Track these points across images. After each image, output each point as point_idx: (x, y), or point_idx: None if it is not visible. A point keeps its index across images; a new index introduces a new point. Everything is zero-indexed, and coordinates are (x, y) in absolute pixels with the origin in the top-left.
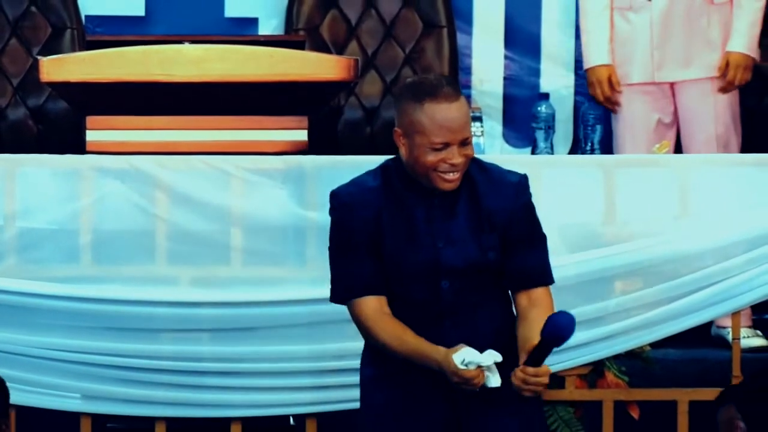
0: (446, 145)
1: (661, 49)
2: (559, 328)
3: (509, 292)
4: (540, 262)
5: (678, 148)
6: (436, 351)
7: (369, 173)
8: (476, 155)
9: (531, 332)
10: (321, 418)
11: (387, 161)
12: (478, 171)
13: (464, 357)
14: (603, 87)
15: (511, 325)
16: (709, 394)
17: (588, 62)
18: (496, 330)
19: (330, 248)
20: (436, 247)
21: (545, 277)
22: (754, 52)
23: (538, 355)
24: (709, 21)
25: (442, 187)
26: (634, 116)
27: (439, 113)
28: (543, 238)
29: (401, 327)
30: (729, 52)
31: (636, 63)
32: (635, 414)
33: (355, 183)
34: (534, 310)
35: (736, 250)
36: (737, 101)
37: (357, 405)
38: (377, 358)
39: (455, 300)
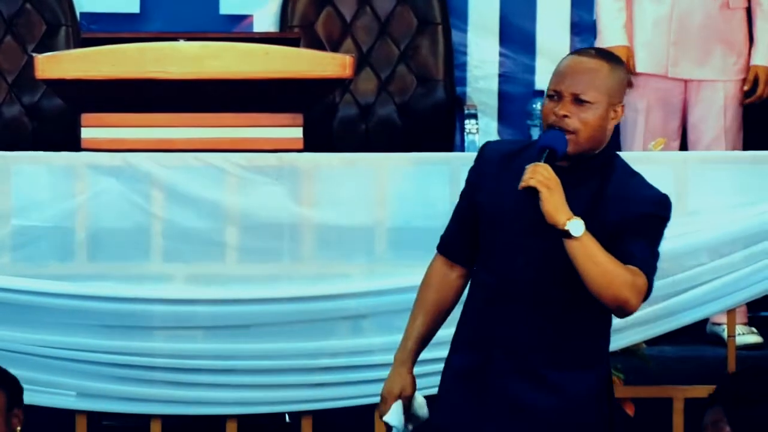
0: (558, 95)
1: (678, 45)
2: (547, 136)
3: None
4: (642, 252)
5: (683, 146)
6: (403, 349)
7: (521, 141)
8: (467, 153)
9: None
10: (316, 415)
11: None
12: (620, 172)
13: (393, 412)
14: None
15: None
16: (704, 391)
17: (603, 42)
18: (553, 341)
19: None
20: (532, 221)
21: (645, 265)
22: None
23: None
24: (725, 24)
25: None
26: (642, 105)
27: (563, 62)
28: (655, 248)
29: (432, 298)
30: (758, 66)
31: (651, 53)
32: (631, 411)
33: (501, 142)
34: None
35: (731, 248)
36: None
37: (352, 402)
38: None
39: (533, 284)
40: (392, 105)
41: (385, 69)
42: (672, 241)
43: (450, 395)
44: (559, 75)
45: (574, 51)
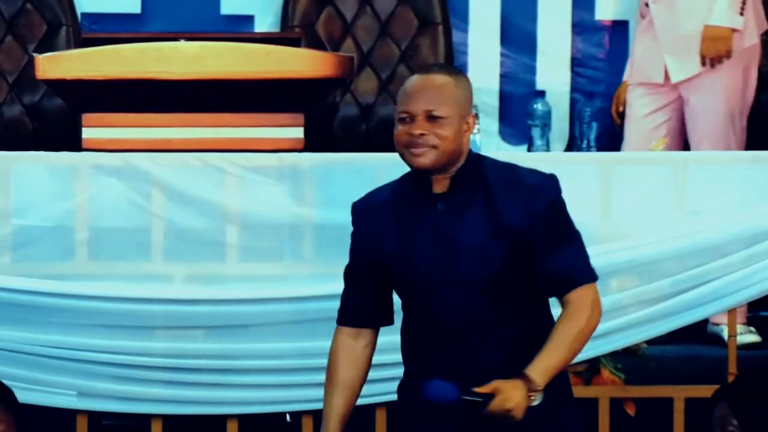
0: (411, 116)
1: (670, 53)
2: (436, 395)
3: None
4: (569, 263)
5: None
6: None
7: (386, 185)
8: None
9: (547, 341)
10: (317, 415)
11: (407, 173)
12: (494, 173)
13: None
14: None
15: (533, 351)
16: (704, 391)
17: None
18: (510, 355)
19: None
20: (440, 257)
21: (577, 278)
22: (730, 22)
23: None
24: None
25: (411, 164)
26: (638, 114)
27: (409, 83)
28: (573, 237)
29: (341, 375)
30: (704, 26)
31: (647, 65)
32: (631, 411)
33: (368, 195)
34: (561, 316)
35: (732, 248)
36: (742, 96)
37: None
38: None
39: (463, 315)
40: (393, 105)
41: (385, 69)
42: (672, 241)
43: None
44: (407, 96)
45: (418, 72)
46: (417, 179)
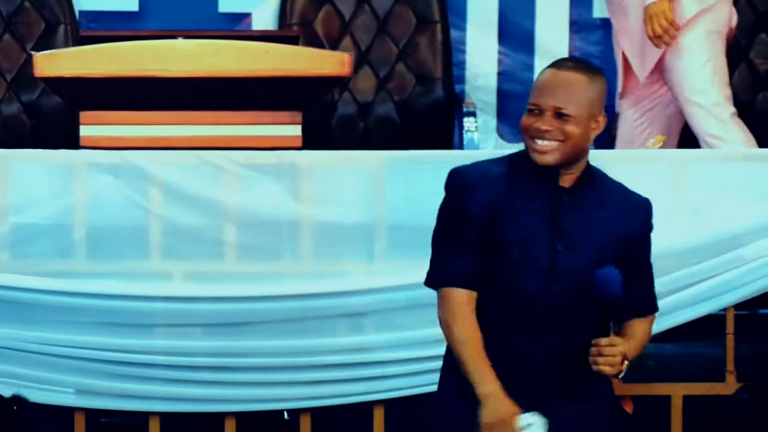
0: (539, 110)
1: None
2: (604, 283)
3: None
4: (647, 292)
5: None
6: (491, 380)
7: (494, 160)
8: (465, 151)
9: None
10: (315, 413)
11: (515, 152)
12: (609, 181)
13: (529, 421)
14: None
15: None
16: (702, 388)
17: None
18: (580, 358)
19: (437, 227)
20: (555, 248)
21: (651, 308)
22: None
23: (603, 325)
24: None
25: (534, 158)
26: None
27: (542, 76)
28: (651, 266)
29: (477, 332)
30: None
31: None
32: (629, 408)
33: (477, 165)
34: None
35: (731, 245)
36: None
37: (352, 400)
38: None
39: (563, 307)
40: (391, 103)
41: (383, 67)
42: (672, 238)
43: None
44: (538, 89)
45: (553, 63)
46: (534, 164)
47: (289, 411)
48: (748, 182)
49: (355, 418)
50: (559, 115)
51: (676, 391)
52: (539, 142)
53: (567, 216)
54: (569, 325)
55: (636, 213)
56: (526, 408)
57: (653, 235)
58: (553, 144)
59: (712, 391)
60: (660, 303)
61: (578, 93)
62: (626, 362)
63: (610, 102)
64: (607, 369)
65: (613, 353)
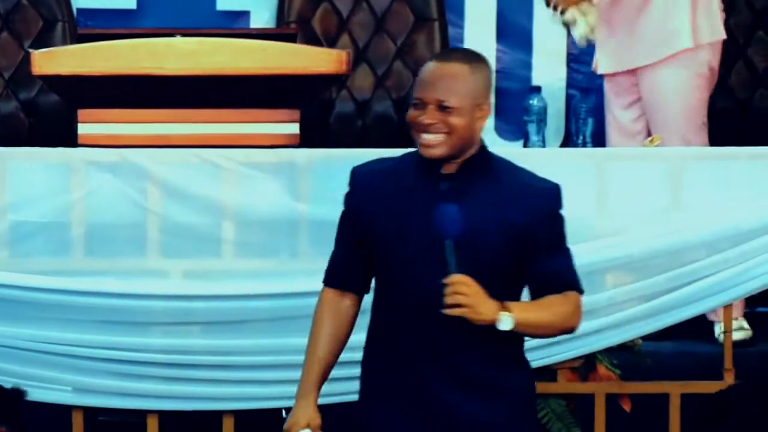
0: (422, 103)
1: (613, 38)
2: (440, 219)
3: None
4: (565, 268)
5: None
6: (306, 386)
7: (389, 157)
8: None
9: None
10: None
11: (414, 150)
12: (503, 168)
13: None
14: None
15: (501, 345)
16: (700, 387)
17: None
18: (481, 347)
19: None
20: (433, 237)
21: (570, 282)
22: None
23: (450, 262)
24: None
25: (422, 153)
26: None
27: (424, 69)
28: (568, 249)
29: (322, 335)
30: None
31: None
32: (627, 407)
33: (371, 162)
34: (552, 296)
35: (727, 244)
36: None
37: (350, 398)
38: (379, 343)
39: (441, 296)
40: (389, 101)
41: (381, 65)
42: (668, 237)
43: (382, 415)
44: (421, 83)
45: (435, 55)
46: (426, 159)
47: (287, 409)
48: (745, 180)
49: (353, 416)
50: (442, 107)
51: (675, 390)
52: (425, 135)
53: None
54: (452, 318)
55: (535, 200)
56: (418, 400)
57: (650, 233)
58: (439, 137)
59: (710, 389)
60: (658, 301)
61: (460, 84)
62: (502, 313)
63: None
64: (452, 304)
65: (456, 290)
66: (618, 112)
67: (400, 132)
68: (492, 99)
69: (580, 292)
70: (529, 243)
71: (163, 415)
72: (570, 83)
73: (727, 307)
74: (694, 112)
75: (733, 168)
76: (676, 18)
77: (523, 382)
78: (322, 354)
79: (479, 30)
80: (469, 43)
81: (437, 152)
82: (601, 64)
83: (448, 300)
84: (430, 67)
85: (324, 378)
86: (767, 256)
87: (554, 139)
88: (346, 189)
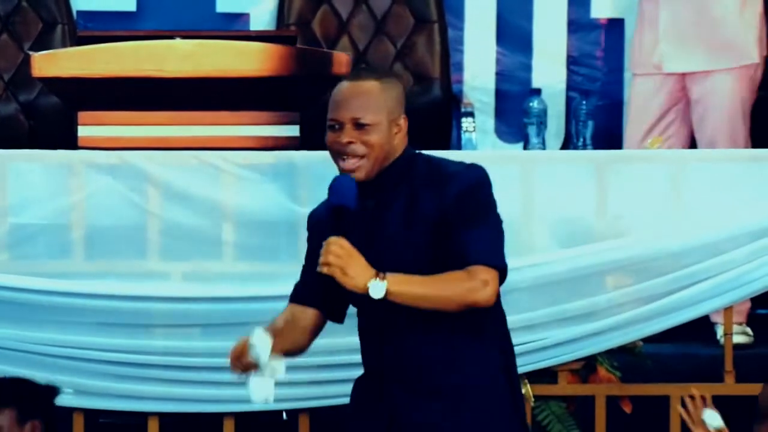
0: (339, 124)
1: (668, 40)
2: (335, 189)
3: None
4: (474, 242)
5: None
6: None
7: None
8: (463, 151)
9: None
10: (313, 413)
11: None
12: (423, 168)
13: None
14: None
15: (468, 339)
16: (701, 389)
17: None
18: (443, 345)
19: None
20: (367, 253)
21: (476, 256)
22: None
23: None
24: (721, 11)
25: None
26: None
27: (336, 90)
28: (485, 222)
29: (276, 326)
30: None
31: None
32: (628, 409)
33: (322, 203)
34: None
35: (728, 246)
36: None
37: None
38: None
39: (390, 309)
40: None
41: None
42: (669, 239)
43: (356, 421)
44: (335, 104)
45: (347, 77)
46: None
47: (288, 411)
48: (746, 182)
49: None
50: (358, 125)
51: (675, 392)
52: (346, 160)
53: (372, 218)
54: (403, 329)
55: (443, 187)
56: (384, 408)
57: (651, 235)
58: (357, 162)
59: (711, 391)
60: (658, 303)
61: (374, 101)
62: (373, 280)
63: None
64: (324, 264)
65: (329, 249)
66: (655, 113)
67: None
68: (492, 101)
69: (494, 264)
70: (444, 227)
71: (164, 417)
72: (570, 85)
73: (728, 310)
74: (746, 120)
75: (734, 170)
76: (749, 31)
77: (484, 375)
78: (277, 324)
79: (479, 32)
80: (469, 46)
81: (361, 175)
82: (669, 62)
83: (321, 260)
84: (342, 87)
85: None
86: None
87: (554, 141)
88: None
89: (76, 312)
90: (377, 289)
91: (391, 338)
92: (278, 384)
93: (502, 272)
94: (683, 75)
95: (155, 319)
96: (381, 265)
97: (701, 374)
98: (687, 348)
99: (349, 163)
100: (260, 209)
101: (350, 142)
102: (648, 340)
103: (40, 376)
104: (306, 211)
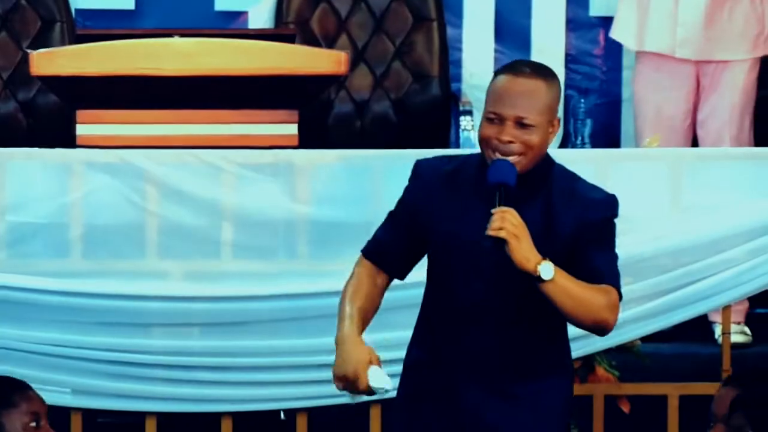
0: (500, 119)
1: (685, 25)
2: (496, 170)
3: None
4: (606, 265)
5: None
6: (346, 326)
7: (454, 156)
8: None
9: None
10: (312, 412)
11: (475, 153)
12: (560, 179)
13: (376, 376)
14: None
15: (541, 355)
16: (699, 388)
17: None
18: (520, 354)
19: None
20: (480, 246)
21: (608, 278)
22: None
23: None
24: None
25: None
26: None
27: (500, 82)
28: (614, 252)
29: (357, 290)
30: None
31: (654, 31)
32: (626, 408)
33: (436, 159)
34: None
35: (727, 244)
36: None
37: (348, 400)
38: (424, 343)
39: (487, 304)
40: (387, 101)
41: (380, 65)
42: (668, 237)
43: (420, 415)
44: (499, 97)
45: (508, 69)
46: (484, 163)
47: (286, 411)
48: (746, 180)
49: (352, 418)
50: (521, 124)
51: (673, 391)
52: (500, 154)
53: None
54: (495, 323)
55: (584, 211)
56: (451, 407)
57: (650, 234)
58: (515, 158)
59: (709, 390)
60: (658, 302)
61: (538, 100)
62: (544, 261)
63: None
64: (494, 229)
65: (505, 217)
66: (668, 105)
67: (399, 132)
68: None
69: (619, 290)
70: (574, 251)
71: (162, 417)
72: (568, 84)
73: (726, 309)
74: (752, 111)
75: (734, 168)
76: (761, 21)
77: (556, 391)
78: (361, 307)
79: (478, 30)
80: (467, 44)
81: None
82: (684, 49)
83: (494, 224)
84: (506, 81)
85: (363, 328)
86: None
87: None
88: (345, 190)
89: (74, 311)
90: (547, 270)
91: (473, 331)
92: (276, 383)
93: (620, 299)
94: (696, 63)
95: (154, 318)
96: (506, 269)
97: (699, 373)
98: (685, 347)
99: (507, 159)
100: (259, 208)
101: (510, 142)
102: (646, 339)
103: (38, 375)
104: (305, 209)
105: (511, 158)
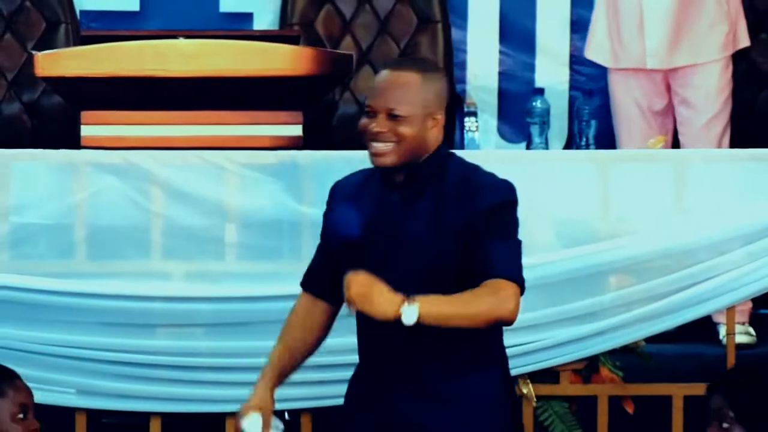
0: (373, 111)
1: (652, 36)
2: (335, 225)
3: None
4: (498, 255)
5: (674, 138)
6: (268, 371)
7: (364, 169)
8: (466, 151)
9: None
10: (316, 413)
11: None
12: (455, 172)
13: (251, 423)
14: None
15: (466, 345)
16: (703, 389)
17: None
18: (442, 347)
19: None
20: (384, 247)
21: (502, 269)
22: None
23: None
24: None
25: (373, 162)
26: (621, 101)
27: (377, 77)
28: (510, 239)
29: (286, 334)
30: None
31: (625, 47)
32: (630, 409)
33: (348, 176)
34: (476, 288)
35: (731, 246)
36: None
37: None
38: (361, 349)
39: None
40: None
41: None
42: (672, 238)
43: (353, 422)
44: (373, 91)
45: (389, 63)
46: (382, 169)
47: (290, 411)
48: (749, 182)
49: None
50: (392, 116)
51: (677, 392)
52: (374, 144)
53: (396, 213)
54: (414, 336)
55: (474, 199)
56: (383, 410)
57: (653, 235)
58: (388, 146)
59: None
60: (661, 303)
61: (411, 93)
62: (404, 306)
63: None
64: (349, 301)
65: (348, 285)
66: (648, 114)
67: None
68: (495, 100)
69: (517, 281)
70: (468, 239)
71: (166, 417)
72: (573, 85)
73: (731, 309)
74: (729, 110)
75: (737, 169)
76: (728, 19)
77: (485, 385)
78: (285, 356)
79: (482, 32)
80: (472, 45)
81: (386, 161)
82: (654, 59)
83: (345, 298)
84: (382, 75)
85: (283, 377)
86: None
87: (557, 141)
88: None
89: (79, 312)
90: (410, 314)
91: (394, 333)
92: (282, 384)
93: (522, 288)
94: (666, 72)
95: (158, 319)
96: (403, 268)
97: (704, 374)
98: (690, 348)
99: (378, 148)
100: (263, 209)
101: (381, 132)
102: (650, 340)
103: (42, 375)
104: (309, 210)
105: (383, 147)
